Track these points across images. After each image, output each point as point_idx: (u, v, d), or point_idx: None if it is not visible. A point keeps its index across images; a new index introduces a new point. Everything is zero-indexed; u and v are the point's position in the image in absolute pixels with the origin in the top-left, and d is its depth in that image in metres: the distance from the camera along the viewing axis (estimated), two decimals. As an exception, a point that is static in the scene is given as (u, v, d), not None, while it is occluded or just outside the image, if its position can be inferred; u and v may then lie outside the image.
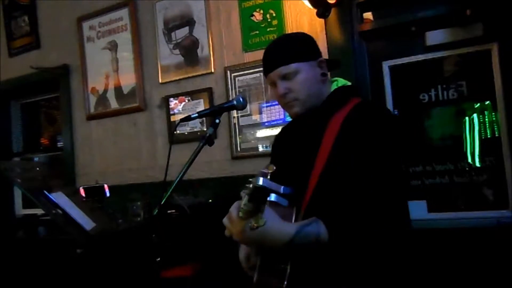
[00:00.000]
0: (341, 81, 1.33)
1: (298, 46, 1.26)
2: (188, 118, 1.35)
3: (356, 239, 1.05)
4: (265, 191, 0.89)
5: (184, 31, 2.78)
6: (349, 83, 1.34)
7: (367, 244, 1.07)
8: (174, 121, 2.80)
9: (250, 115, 2.57)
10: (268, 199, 0.93)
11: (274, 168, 1.08)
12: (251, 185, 0.89)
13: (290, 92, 1.25)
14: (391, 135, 1.14)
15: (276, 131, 2.49)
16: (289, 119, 2.43)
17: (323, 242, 1.03)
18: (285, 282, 1.06)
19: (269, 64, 1.28)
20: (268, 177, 1.06)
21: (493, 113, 2.15)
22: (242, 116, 2.59)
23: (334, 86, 1.31)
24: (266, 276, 1.12)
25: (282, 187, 1.09)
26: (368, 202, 1.05)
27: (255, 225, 0.93)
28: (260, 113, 2.54)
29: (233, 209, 1.07)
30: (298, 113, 1.28)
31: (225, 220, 1.10)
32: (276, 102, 2.46)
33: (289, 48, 1.26)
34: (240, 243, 1.22)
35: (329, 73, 1.32)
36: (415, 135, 2.28)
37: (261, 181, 0.88)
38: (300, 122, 1.33)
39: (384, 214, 1.06)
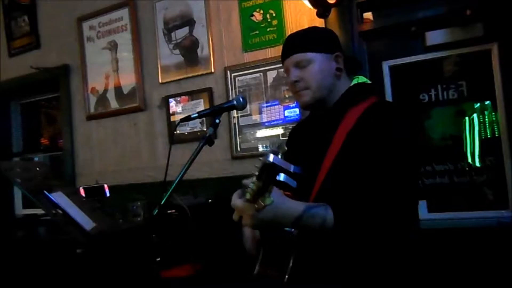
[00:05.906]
0: (362, 79, 1.32)
1: (317, 37, 1.27)
2: (188, 118, 1.36)
3: (361, 231, 1.05)
4: (275, 168, 0.86)
5: (184, 31, 2.78)
6: (369, 82, 1.33)
7: (371, 238, 1.06)
8: (174, 121, 2.80)
9: (250, 115, 2.57)
10: (277, 178, 0.89)
11: (286, 149, 1.06)
12: (260, 162, 0.85)
13: (301, 80, 1.25)
14: (410, 136, 1.13)
15: (276, 131, 2.50)
16: (289, 119, 2.48)
17: (328, 228, 1.02)
18: (287, 276, 1.04)
19: (286, 51, 1.29)
20: (279, 156, 1.03)
21: (493, 113, 2.15)
22: (242, 116, 2.60)
23: (354, 83, 1.30)
24: (267, 268, 1.10)
25: (292, 166, 1.04)
26: (379, 197, 1.05)
27: (262, 204, 0.88)
28: (260, 113, 2.54)
29: (235, 196, 1.04)
30: (308, 103, 1.28)
31: (233, 203, 1.04)
32: (276, 102, 2.51)
33: (307, 38, 1.27)
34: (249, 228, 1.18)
35: (343, 70, 1.29)
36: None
37: (271, 157, 0.85)
38: (315, 116, 1.34)
39: (393, 211, 1.06)
